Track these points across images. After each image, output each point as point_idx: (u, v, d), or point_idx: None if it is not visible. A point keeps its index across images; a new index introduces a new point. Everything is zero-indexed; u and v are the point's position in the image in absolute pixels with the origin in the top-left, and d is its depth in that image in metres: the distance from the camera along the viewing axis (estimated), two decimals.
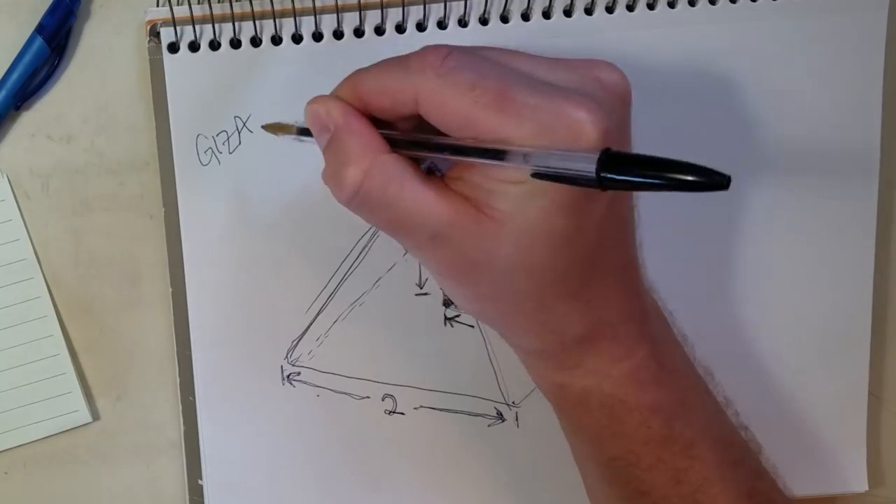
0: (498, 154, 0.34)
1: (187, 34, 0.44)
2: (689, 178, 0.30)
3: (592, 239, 0.37)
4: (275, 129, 0.43)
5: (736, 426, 0.43)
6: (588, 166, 0.31)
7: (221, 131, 0.45)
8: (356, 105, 0.38)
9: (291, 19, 0.44)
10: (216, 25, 0.44)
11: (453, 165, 0.37)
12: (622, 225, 0.39)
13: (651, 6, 0.46)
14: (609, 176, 0.31)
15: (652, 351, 0.40)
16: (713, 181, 0.29)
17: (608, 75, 0.37)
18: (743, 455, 0.42)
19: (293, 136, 0.42)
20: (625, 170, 0.31)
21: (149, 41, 0.44)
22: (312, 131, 0.39)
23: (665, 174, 0.30)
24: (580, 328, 0.39)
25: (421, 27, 0.45)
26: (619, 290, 0.39)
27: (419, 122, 0.37)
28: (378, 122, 0.38)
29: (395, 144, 0.37)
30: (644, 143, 0.47)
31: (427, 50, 0.36)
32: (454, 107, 0.35)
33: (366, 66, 0.38)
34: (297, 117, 0.42)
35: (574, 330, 0.39)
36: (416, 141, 0.37)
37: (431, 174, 0.37)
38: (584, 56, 0.37)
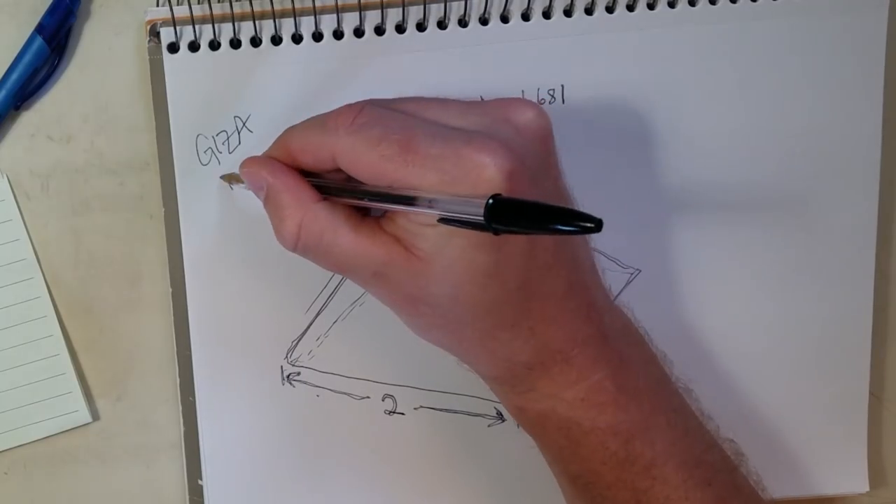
0: (408, 202, 0.36)
1: (187, 34, 0.44)
2: (564, 227, 0.31)
3: (519, 270, 0.37)
4: (229, 178, 0.45)
5: (712, 443, 0.43)
6: (478, 212, 0.32)
7: (221, 131, 0.45)
8: (288, 162, 0.40)
9: (291, 19, 0.44)
10: (216, 25, 0.44)
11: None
12: (556, 251, 0.39)
13: (651, 6, 0.46)
14: (498, 225, 0.32)
15: (610, 373, 0.40)
16: (585, 228, 0.31)
17: (521, 114, 0.38)
18: (714, 474, 0.42)
19: (245, 185, 0.44)
20: (511, 215, 0.32)
21: (149, 41, 0.44)
22: (252, 190, 0.42)
23: (543, 222, 0.31)
24: (527, 355, 0.39)
25: (421, 27, 0.45)
26: (565, 314, 0.39)
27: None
28: (312, 173, 0.40)
29: (326, 192, 0.39)
30: (643, 142, 0.47)
31: (342, 108, 0.39)
32: (365, 162, 0.37)
33: (296, 123, 0.41)
34: (296, 118, 0.42)
35: (521, 357, 0.40)
36: (344, 188, 0.39)
37: (370, 216, 0.39)
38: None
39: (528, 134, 0.38)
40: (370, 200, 0.38)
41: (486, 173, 0.35)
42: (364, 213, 0.39)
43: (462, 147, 0.36)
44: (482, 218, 0.32)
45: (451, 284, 0.37)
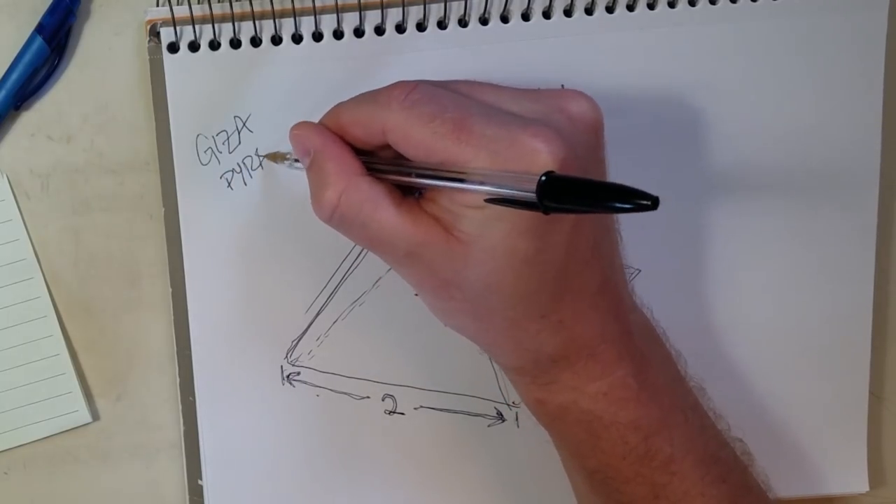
0: (456, 180, 0.35)
1: (187, 34, 0.44)
2: (620, 204, 0.31)
3: (558, 261, 0.37)
4: (273, 157, 0.45)
5: (724, 441, 0.43)
6: (530, 189, 0.32)
7: (221, 131, 0.45)
8: (338, 134, 0.40)
9: (291, 19, 0.44)
10: (216, 25, 0.44)
11: (428, 188, 0.38)
12: (594, 247, 0.39)
13: (651, 6, 0.46)
14: (550, 203, 0.32)
15: (632, 370, 0.40)
16: (642, 205, 0.31)
17: (575, 105, 0.38)
18: (728, 471, 0.42)
19: (288, 163, 0.44)
20: (564, 194, 0.32)
21: (149, 41, 0.44)
22: (296, 155, 0.42)
23: (599, 200, 0.31)
24: (553, 347, 0.39)
25: (421, 27, 0.45)
26: (595, 310, 0.39)
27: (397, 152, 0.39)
28: (361, 151, 0.40)
29: (371, 168, 0.39)
30: (644, 143, 0.47)
31: (396, 84, 0.38)
32: (417, 138, 0.37)
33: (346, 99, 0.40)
34: (296, 118, 0.42)
35: (547, 349, 0.39)
36: (390, 165, 0.39)
37: (410, 196, 0.39)
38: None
39: (580, 124, 0.38)
40: (418, 177, 0.37)
41: (539, 160, 0.35)
42: (405, 192, 0.39)
43: (517, 132, 0.35)
44: (534, 195, 0.32)
45: (488, 269, 0.37)
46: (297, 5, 0.44)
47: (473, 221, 0.36)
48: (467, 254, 0.37)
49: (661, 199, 0.30)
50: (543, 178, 0.32)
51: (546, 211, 0.32)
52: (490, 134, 0.36)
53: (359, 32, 0.45)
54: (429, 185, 0.37)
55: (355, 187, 0.38)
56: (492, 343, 0.41)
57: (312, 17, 0.44)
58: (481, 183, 0.35)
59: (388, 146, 0.39)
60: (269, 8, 0.44)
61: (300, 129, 0.41)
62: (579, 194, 0.32)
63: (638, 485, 0.41)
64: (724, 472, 0.41)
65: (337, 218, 0.39)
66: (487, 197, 0.35)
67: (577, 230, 0.37)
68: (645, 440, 0.40)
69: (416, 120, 0.37)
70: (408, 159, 0.38)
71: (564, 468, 0.44)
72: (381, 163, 0.39)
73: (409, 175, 0.38)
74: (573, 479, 0.44)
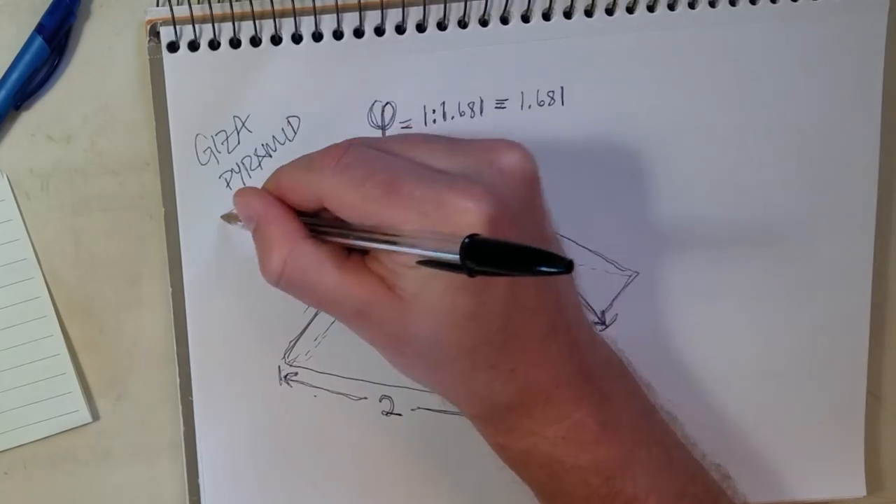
0: (389, 243, 0.36)
1: (187, 34, 0.44)
2: (539, 268, 0.31)
3: (500, 313, 0.37)
4: (228, 218, 0.45)
5: (694, 474, 0.42)
6: (455, 251, 0.33)
7: (220, 131, 0.45)
8: (280, 198, 0.41)
9: (291, 19, 0.44)
10: (216, 25, 0.44)
11: None
12: (538, 293, 0.38)
13: (651, 8, 0.46)
14: (473, 266, 0.32)
15: (591, 411, 0.40)
16: (557, 270, 0.31)
17: (506, 157, 0.38)
18: None
19: (241, 224, 0.44)
20: (487, 257, 0.32)
21: (149, 41, 0.44)
22: (242, 220, 0.42)
23: (517, 263, 0.32)
24: (508, 396, 0.39)
25: (421, 28, 0.45)
26: (546, 356, 0.39)
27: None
28: (305, 213, 0.40)
29: (314, 230, 0.40)
30: (644, 144, 0.47)
31: (329, 148, 0.39)
32: (350, 202, 0.37)
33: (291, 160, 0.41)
34: (296, 118, 0.42)
35: (502, 398, 0.39)
36: (331, 227, 0.39)
37: (356, 254, 0.39)
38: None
39: (511, 177, 0.38)
40: (355, 239, 0.38)
41: (467, 219, 0.35)
42: (350, 251, 0.39)
43: (444, 191, 0.36)
44: (458, 258, 0.32)
45: (432, 325, 0.37)
46: (297, 5, 0.44)
47: (412, 280, 0.37)
48: (410, 311, 0.37)
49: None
50: (466, 240, 0.32)
51: (471, 273, 0.33)
52: (418, 195, 0.36)
53: (359, 33, 0.45)
54: (367, 247, 0.38)
55: (300, 251, 0.39)
56: (448, 392, 0.41)
57: (312, 17, 0.44)
58: (412, 245, 0.35)
59: (324, 210, 0.39)
60: (269, 8, 0.44)
61: (242, 195, 0.42)
62: (500, 257, 0.32)
63: None
64: None
65: (284, 283, 0.39)
66: (419, 259, 0.35)
67: (516, 281, 0.37)
68: (606, 482, 0.40)
69: (347, 184, 0.37)
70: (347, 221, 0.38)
71: None
72: (324, 225, 0.40)
73: (348, 237, 0.38)
74: None
